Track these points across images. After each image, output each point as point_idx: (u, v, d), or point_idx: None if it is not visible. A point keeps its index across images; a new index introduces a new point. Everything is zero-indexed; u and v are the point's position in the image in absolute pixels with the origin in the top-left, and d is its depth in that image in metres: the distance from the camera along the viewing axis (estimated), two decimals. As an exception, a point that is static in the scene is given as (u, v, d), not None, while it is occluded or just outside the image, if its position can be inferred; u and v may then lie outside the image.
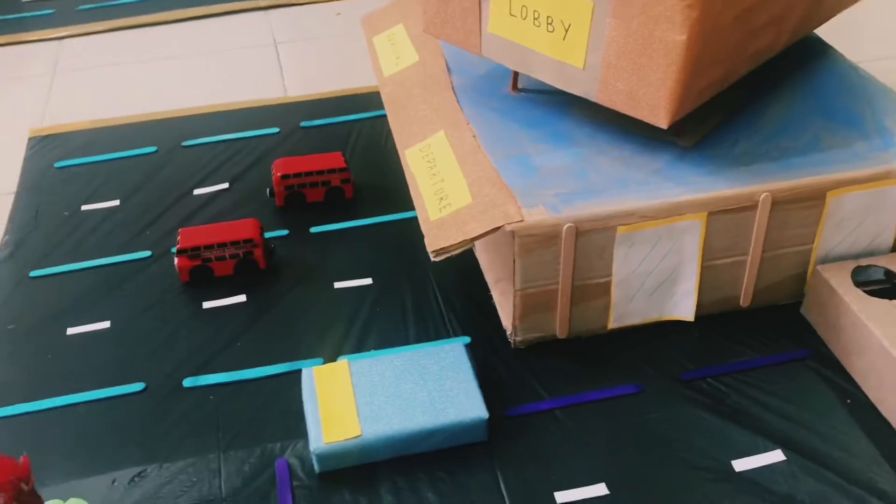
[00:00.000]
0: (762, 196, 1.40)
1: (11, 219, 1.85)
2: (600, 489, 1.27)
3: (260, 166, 1.97)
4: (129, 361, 1.50)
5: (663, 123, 1.36)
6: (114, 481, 1.29)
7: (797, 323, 1.53)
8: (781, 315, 1.54)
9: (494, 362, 1.47)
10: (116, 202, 1.88)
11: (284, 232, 1.78)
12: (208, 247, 1.62)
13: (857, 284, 1.45)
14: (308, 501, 1.26)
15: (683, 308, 1.50)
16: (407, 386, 1.34)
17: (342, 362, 1.38)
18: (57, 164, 2.01)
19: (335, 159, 1.85)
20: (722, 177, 1.43)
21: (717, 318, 1.52)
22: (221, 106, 2.23)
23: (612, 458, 1.32)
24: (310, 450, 1.28)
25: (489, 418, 1.31)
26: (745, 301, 1.53)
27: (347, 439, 1.27)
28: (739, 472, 1.29)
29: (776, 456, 1.31)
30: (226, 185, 1.92)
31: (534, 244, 1.37)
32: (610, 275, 1.43)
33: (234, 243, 1.63)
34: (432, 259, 1.36)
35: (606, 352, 1.48)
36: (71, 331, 1.56)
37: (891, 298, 1.41)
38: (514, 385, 1.43)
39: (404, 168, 1.58)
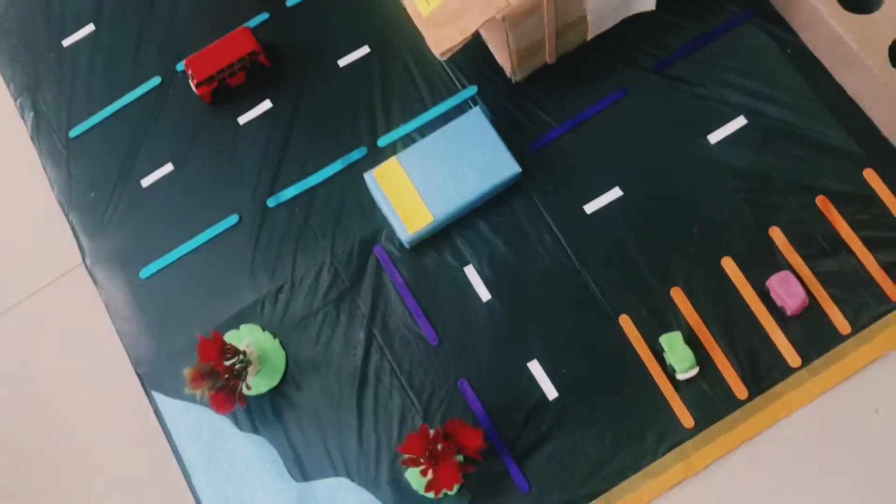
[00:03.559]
0: None
1: (8, 80, 1.93)
2: (616, 192, 1.68)
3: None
4: (211, 199, 1.78)
5: None
6: (263, 305, 1.70)
7: (742, -20, 1.76)
8: (726, -24, 1.76)
9: (504, 103, 1.74)
10: (91, 27, 1.93)
11: (266, 16, 1.88)
12: (220, 70, 1.77)
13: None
14: (409, 270, 1.69)
15: (646, 1, 1.71)
16: (450, 164, 1.66)
17: (392, 160, 1.68)
18: (2, -5, 1.99)
19: (279, -81, 1.85)
20: None
21: (672, 2, 1.74)
22: None
23: (618, 162, 1.70)
24: (400, 239, 1.66)
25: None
26: (694, -26, 1.74)
27: (425, 225, 1.64)
28: (714, 144, 1.68)
29: (740, 121, 1.68)
30: (182, -31, 1.94)
31: (521, 17, 1.55)
32: (584, 8, 1.63)
33: (241, 59, 1.77)
34: (440, 59, 1.56)
35: (591, 63, 1.75)
36: (145, 182, 1.81)
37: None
38: (527, 122, 1.73)
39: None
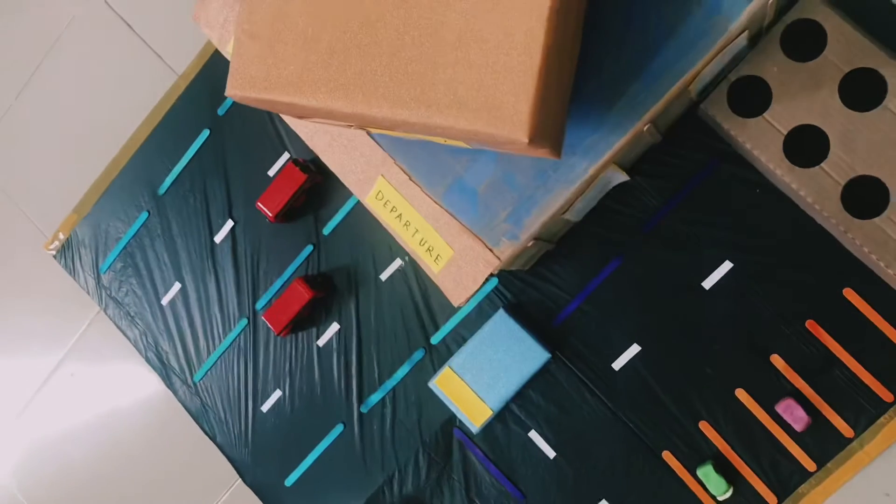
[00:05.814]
0: (646, 127, 1.71)
1: (133, 342, 2.38)
2: (635, 348, 1.98)
3: (241, 194, 2.27)
4: (317, 414, 2.21)
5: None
6: (384, 492, 2.16)
7: (701, 126, 1.91)
8: (688, 127, 1.91)
9: (523, 287, 2.04)
10: (178, 285, 2.33)
11: (311, 248, 2.21)
12: (291, 319, 2.14)
13: (736, 102, 1.79)
14: (485, 444, 2.08)
15: (619, 178, 1.92)
16: (493, 363, 2.01)
17: (447, 370, 2.04)
18: (102, 270, 2.40)
19: (293, 172, 2.13)
20: (609, 126, 1.70)
21: (642, 163, 1.94)
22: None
23: (630, 322, 1.98)
24: (472, 432, 2.05)
25: (550, 348, 1.98)
26: (655, 141, 1.92)
27: (487, 418, 2.02)
28: (709, 290, 1.93)
29: (727, 266, 1.91)
30: (230, 224, 2.27)
31: (512, 260, 1.83)
32: (565, 221, 1.88)
33: (303, 307, 2.13)
34: (458, 307, 1.88)
35: (585, 237, 2.00)
36: (264, 408, 2.26)
37: (762, 109, 1.78)
38: (546, 300, 2.03)
39: (374, 216, 1.93)
